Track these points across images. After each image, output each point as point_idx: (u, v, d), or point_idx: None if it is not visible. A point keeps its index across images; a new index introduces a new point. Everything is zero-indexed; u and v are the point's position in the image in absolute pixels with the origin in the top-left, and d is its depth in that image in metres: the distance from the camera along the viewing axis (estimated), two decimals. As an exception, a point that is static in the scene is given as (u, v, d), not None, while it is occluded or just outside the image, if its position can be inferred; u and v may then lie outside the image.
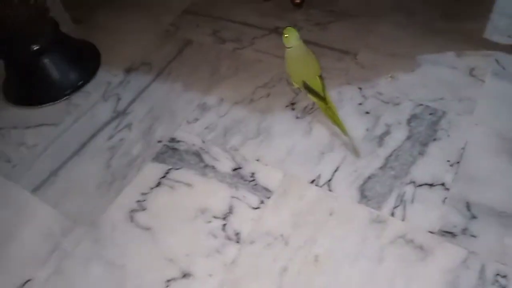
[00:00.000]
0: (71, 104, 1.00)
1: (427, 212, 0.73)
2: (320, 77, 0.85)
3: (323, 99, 0.84)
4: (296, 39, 0.83)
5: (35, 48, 0.97)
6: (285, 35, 0.83)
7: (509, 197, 0.74)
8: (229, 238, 0.73)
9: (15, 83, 1.03)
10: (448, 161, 0.79)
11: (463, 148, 0.81)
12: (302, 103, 0.92)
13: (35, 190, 0.84)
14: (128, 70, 1.05)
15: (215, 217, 0.76)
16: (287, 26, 0.84)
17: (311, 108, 0.91)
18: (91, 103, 0.99)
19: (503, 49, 0.97)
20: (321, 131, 0.87)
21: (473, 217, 0.72)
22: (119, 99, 0.98)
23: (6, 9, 0.86)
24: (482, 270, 0.66)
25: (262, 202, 0.78)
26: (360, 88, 0.93)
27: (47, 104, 1.00)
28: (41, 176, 0.86)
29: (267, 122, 0.90)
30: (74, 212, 0.80)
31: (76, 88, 1.02)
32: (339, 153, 0.83)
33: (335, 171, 0.80)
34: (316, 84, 0.84)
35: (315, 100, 0.86)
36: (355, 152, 0.82)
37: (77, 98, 1.01)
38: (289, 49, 0.85)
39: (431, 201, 0.74)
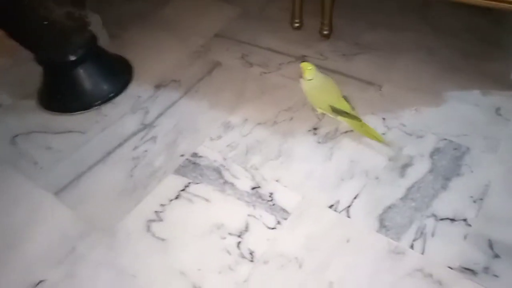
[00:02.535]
0: (100, 114, 1.03)
1: (447, 247, 0.71)
2: (345, 97, 0.87)
3: (355, 117, 0.85)
4: (316, 71, 0.88)
5: (72, 58, 1.02)
6: (309, 68, 0.88)
7: (535, 239, 0.71)
8: (243, 256, 0.73)
9: (49, 89, 1.08)
10: (471, 197, 0.78)
11: (487, 185, 0.79)
12: (324, 128, 0.93)
13: (57, 192, 0.86)
14: (158, 86, 1.09)
15: (230, 234, 0.76)
16: (303, 61, 0.90)
17: (334, 134, 0.92)
18: (120, 115, 1.02)
19: (530, 92, 0.97)
20: (342, 158, 0.87)
21: (496, 256, 0.69)
22: (147, 112, 1.02)
23: (52, 20, 0.92)
24: (505, 312, 0.63)
25: (278, 222, 0.77)
26: (383, 119, 0.94)
27: (78, 112, 1.04)
28: (65, 180, 0.89)
29: (289, 145, 0.91)
30: (93, 217, 0.81)
31: (107, 99, 1.06)
32: (359, 180, 0.82)
33: (355, 198, 0.80)
34: (343, 106, 0.86)
35: (346, 121, 0.87)
36: (402, 161, 0.84)
37: (107, 109, 1.04)
38: (310, 80, 0.88)
39: (452, 236, 0.72)
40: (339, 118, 0.88)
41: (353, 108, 0.87)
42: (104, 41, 1.21)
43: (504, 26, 1.17)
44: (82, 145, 0.96)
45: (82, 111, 1.04)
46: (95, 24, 1.22)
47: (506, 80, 1.01)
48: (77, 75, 1.06)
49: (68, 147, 0.96)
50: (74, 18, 0.97)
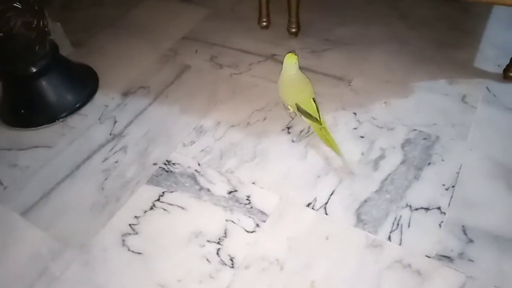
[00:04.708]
0: (67, 126, 1.00)
1: (423, 236, 0.72)
2: (314, 99, 0.86)
3: (316, 120, 0.85)
4: (298, 65, 0.86)
5: (34, 70, 0.98)
6: (294, 62, 0.85)
7: (505, 222, 0.73)
8: (223, 263, 0.72)
9: (11, 104, 1.03)
10: (444, 185, 0.79)
11: (457, 173, 0.81)
12: (298, 127, 0.93)
13: (25, 212, 0.82)
14: (126, 94, 1.06)
15: (209, 241, 0.75)
16: (289, 52, 0.86)
17: (307, 132, 0.92)
18: (87, 126, 0.99)
19: (493, 78, 1.00)
20: (316, 155, 0.87)
21: (470, 241, 0.71)
22: (115, 121, 0.99)
23: (8, 31, 0.87)
24: (481, 296, 0.65)
25: (257, 225, 0.76)
26: (355, 113, 0.95)
27: (43, 126, 1.00)
28: (33, 198, 0.85)
29: (263, 145, 0.90)
30: (65, 235, 0.78)
31: (72, 110, 1.02)
32: (334, 176, 0.83)
33: (331, 194, 0.80)
34: (310, 106, 0.85)
35: (309, 122, 0.87)
36: (349, 171, 0.82)
37: (73, 120, 1.01)
38: (289, 74, 0.86)
39: (428, 225, 0.74)
40: (303, 117, 0.87)
41: (318, 111, 0.85)
42: (66, 50, 1.17)
43: (472, 13, 1.20)
44: (50, 160, 0.92)
45: (48, 125, 1.00)
46: (56, 33, 1.17)
47: (471, 68, 1.04)
48: (40, 87, 1.02)
49: (35, 163, 0.92)
50: (33, 28, 0.93)
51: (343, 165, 0.83)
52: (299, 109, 0.86)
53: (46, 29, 0.96)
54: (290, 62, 0.85)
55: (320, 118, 0.85)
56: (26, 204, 0.84)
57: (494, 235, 0.71)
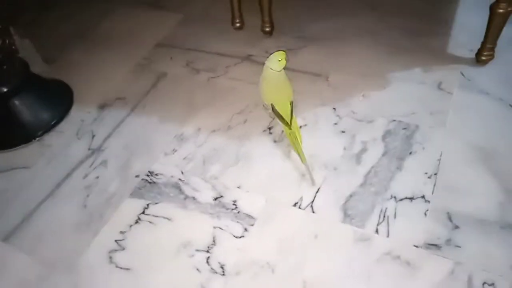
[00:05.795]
0: (44, 145, 0.97)
1: (410, 226, 0.73)
2: (291, 103, 0.85)
3: (288, 124, 0.83)
4: (285, 64, 0.82)
5: (4, 90, 0.95)
6: (279, 59, 0.80)
7: (488, 205, 0.75)
8: (214, 271, 0.71)
9: (-16, 127, 1.01)
10: (426, 173, 0.80)
11: (439, 160, 0.82)
12: (279, 127, 0.93)
13: (7, 237, 0.80)
14: (102, 106, 1.04)
15: (198, 250, 0.74)
16: (279, 50, 0.81)
17: (288, 131, 0.91)
18: (65, 143, 0.96)
19: (467, 62, 1.02)
20: (299, 154, 0.87)
21: (456, 227, 0.72)
22: (93, 136, 0.97)
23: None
24: (469, 280, 0.65)
25: (246, 230, 0.76)
26: (334, 108, 0.95)
27: (19, 146, 0.97)
28: (14, 222, 0.82)
29: (246, 148, 0.89)
30: (50, 257, 0.76)
31: (48, 128, 1.00)
32: (319, 173, 0.83)
33: (317, 192, 0.80)
34: (286, 109, 0.83)
35: (281, 124, 0.85)
36: (312, 180, 0.81)
37: (50, 138, 0.98)
38: (274, 72, 0.82)
39: (413, 215, 0.74)
40: (276, 118, 0.85)
41: (291, 115, 0.82)
42: (38, 66, 1.14)
43: (441, 1, 1.22)
44: (29, 181, 0.89)
45: (24, 145, 0.97)
46: (27, 49, 1.15)
47: (444, 54, 1.05)
48: (13, 107, 0.99)
49: (14, 186, 0.89)
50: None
51: (306, 173, 0.82)
52: (273, 109, 0.85)
53: (13, 47, 0.94)
54: (278, 58, 0.80)
55: (290, 123, 0.82)
56: (7, 228, 0.81)
57: (479, 219, 0.73)
